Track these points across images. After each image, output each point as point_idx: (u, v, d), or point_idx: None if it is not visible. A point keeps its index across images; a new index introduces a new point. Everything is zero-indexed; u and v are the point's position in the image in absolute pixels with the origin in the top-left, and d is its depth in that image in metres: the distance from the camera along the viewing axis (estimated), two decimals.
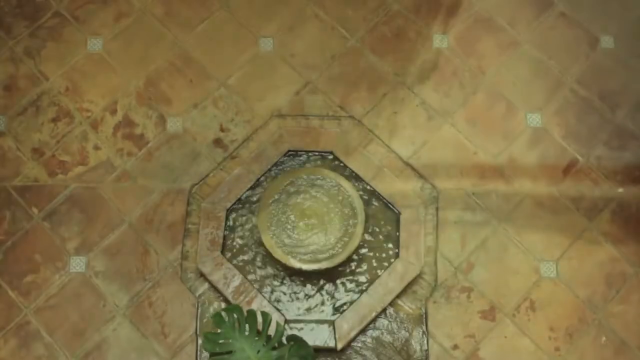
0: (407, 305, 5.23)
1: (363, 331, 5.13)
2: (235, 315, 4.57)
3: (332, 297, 5.18)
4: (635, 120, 5.70)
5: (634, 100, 5.75)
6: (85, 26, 5.94)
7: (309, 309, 5.15)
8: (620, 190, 5.53)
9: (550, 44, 5.91)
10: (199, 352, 5.13)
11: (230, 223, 5.35)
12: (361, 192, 5.38)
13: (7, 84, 5.75)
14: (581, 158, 5.58)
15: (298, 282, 5.20)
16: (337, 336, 5.01)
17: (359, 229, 4.95)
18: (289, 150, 5.53)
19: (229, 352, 4.51)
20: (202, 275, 5.22)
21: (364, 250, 5.28)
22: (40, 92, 5.74)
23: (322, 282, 5.21)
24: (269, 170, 5.47)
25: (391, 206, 5.37)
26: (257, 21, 5.95)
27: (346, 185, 5.08)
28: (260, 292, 5.13)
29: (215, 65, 5.81)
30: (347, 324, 5.04)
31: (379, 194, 5.39)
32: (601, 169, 5.56)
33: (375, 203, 5.40)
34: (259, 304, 5.07)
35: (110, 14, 5.98)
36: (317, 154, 5.55)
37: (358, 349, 5.12)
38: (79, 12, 5.98)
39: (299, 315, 5.14)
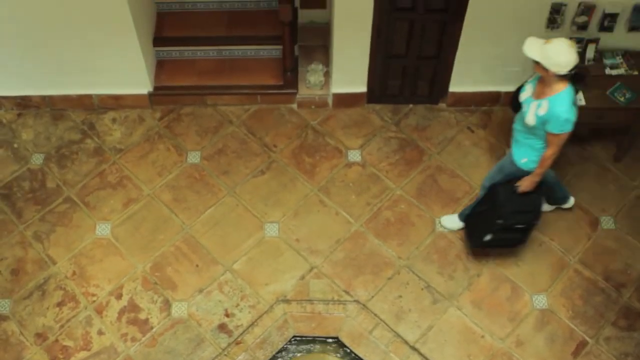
0: None
1: None
2: None
3: None
4: None
5: (639, 280, 5.76)
6: (95, 212, 6.08)
7: None
8: None
9: (551, 225, 6.00)
10: None
11: None
12: None
13: (15, 268, 5.81)
14: (590, 340, 5.51)
15: None
16: None
17: None
18: (294, 336, 5.49)
19: None
20: None
21: None
22: (47, 276, 5.78)
23: None
24: (274, 357, 5.40)
25: None
26: (263, 207, 6.09)
27: None
28: None
29: (221, 250, 5.88)
30: None
31: None
32: (611, 351, 5.47)
33: None
34: None
35: (120, 199, 6.14)
36: (322, 339, 5.51)
37: None
38: (90, 198, 6.15)
39: None
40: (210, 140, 6.48)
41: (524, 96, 5.05)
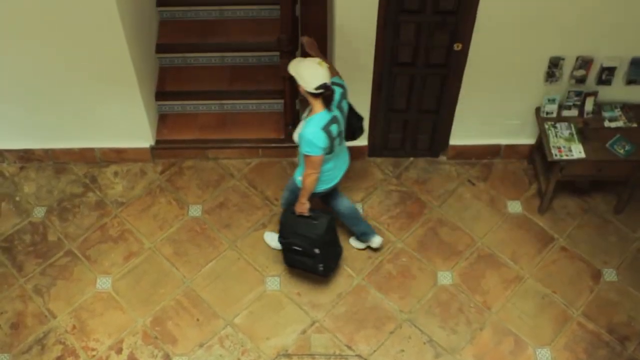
0: None
1: None
2: None
3: None
4: None
5: None
6: (95, 265, 6.06)
7: None
8: None
9: (553, 277, 5.98)
10: None
11: None
12: None
13: (15, 322, 5.77)
14: None
15: None
16: None
17: None
18: None
19: None
20: None
21: None
22: (47, 330, 5.74)
23: None
24: None
25: None
26: (264, 261, 6.08)
27: None
28: None
29: (222, 303, 5.85)
30: None
31: None
32: None
33: None
34: None
35: (121, 253, 6.13)
36: None
37: None
38: (91, 251, 6.14)
39: None
40: (212, 193, 6.50)
41: (303, 115, 5.29)
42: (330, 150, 5.10)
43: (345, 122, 5.31)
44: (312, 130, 4.95)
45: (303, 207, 5.38)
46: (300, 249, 5.53)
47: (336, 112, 5.08)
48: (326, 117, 5.00)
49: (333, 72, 5.25)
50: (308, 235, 5.45)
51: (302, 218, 5.45)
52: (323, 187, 5.39)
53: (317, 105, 5.00)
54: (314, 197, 5.42)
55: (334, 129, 5.04)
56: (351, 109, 5.43)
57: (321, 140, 4.96)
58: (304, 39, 5.41)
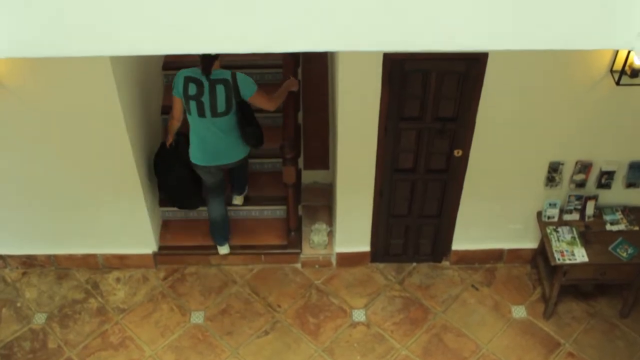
0: None
1: None
2: None
3: None
4: None
5: None
6: None
7: None
8: None
9: None
10: None
11: None
12: None
13: None
14: None
15: None
16: None
17: None
18: None
19: None
20: None
21: None
22: None
23: None
24: None
25: None
26: None
27: None
28: None
29: None
30: None
31: None
32: None
33: None
34: None
35: None
36: None
37: None
38: (91, 358, 6.02)
39: None
40: (214, 300, 6.45)
41: None
42: (187, 107, 5.72)
43: (235, 120, 5.81)
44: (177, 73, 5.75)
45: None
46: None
47: (205, 82, 5.60)
48: (193, 72, 5.64)
49: (268, 95, 5.92)
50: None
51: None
52: (192, 158, 6.02)
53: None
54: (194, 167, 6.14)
55: (192, 87, 5.63)
56: (243, 112, 5.79)
57: (177, 83, 5.70)
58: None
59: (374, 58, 5.23)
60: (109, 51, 3.02)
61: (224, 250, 6.62)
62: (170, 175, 6.27)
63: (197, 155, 5.97)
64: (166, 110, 6.69)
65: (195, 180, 6.31)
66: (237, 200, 6.72)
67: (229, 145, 5.90)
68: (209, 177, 6.17)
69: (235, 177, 6.58)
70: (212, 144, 5.86)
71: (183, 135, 6.10)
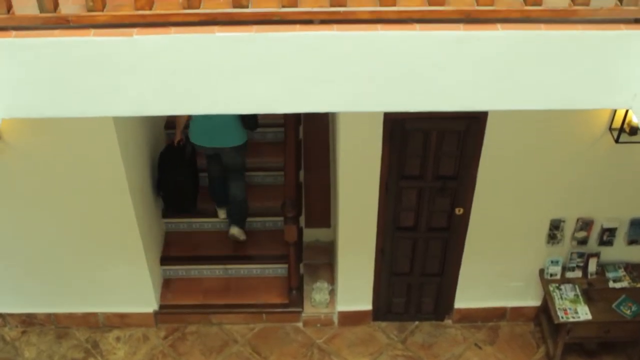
0: None
1: None
2: None
3: None
4: None
5: None
6: None
7: None
8: None
9: None
10: None
11: None
12: None
13: None
14: None
15: None
16: None
17: None
18: None
19: None
20: None
21: None
22: None
23: None
24: None
25: None
26: None
27: None
28: None
29: None
30: None
31: None
32: None
33: None
34: None
35: None
36: None
37: None
38: None
39: None
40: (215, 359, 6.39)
41: None
42: None
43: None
44: None
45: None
46: None
47: None
48: None
49: None
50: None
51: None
52: (192, 137, 6.36)
53: None
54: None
55: None
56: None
57: None
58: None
59: (374, 117, 5.29)
60: (110, 112, 3.07)
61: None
62: (173, 174, 6.52)
63: (196, 132, 6.30)
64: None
65: (197, 183, 6.75)
66: (233, 230, 6.80)
67: (227, 123, 6.20)
68: (212, 164, 6.61)
69: (233, 206, 6.74)
70: (211, 119, 6.10)
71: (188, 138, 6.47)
